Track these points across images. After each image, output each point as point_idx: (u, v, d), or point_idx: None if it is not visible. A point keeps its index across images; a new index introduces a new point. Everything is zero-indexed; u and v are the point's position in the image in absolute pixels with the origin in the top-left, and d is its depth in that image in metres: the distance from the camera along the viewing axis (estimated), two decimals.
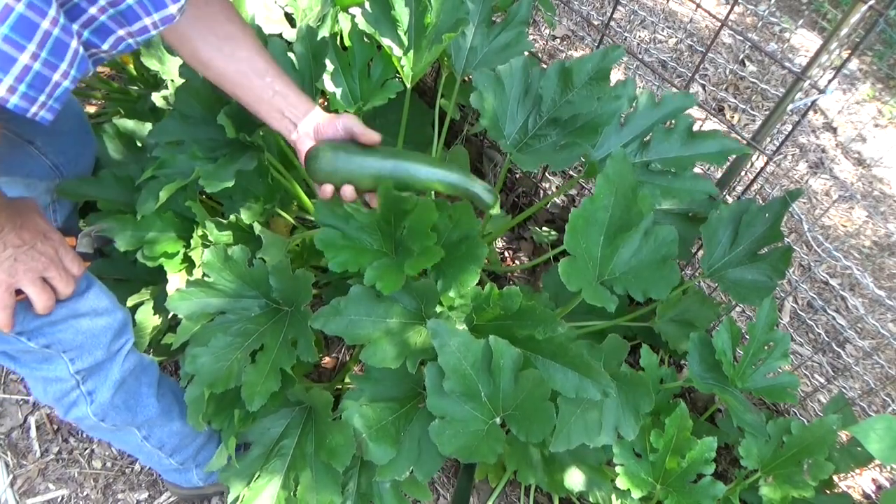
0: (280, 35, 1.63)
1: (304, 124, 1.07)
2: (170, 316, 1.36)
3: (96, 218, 1.29)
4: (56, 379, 1.05)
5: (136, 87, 1.77)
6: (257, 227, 1.27)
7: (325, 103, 1.50)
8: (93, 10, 0.74)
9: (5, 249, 0.86)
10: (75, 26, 0.73)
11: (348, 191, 1.07)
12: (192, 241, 1.27)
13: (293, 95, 1.07)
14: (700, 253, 1.40)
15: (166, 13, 0.80)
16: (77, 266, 0.96)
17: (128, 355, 1.13)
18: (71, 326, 1.00)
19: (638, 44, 2.80)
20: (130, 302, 1.34)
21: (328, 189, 1.07)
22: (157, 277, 1.32)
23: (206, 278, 1.19)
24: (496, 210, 1.12)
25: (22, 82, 0.66)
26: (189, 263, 1.30)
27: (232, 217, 1.31)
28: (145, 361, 1.20)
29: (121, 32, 0.78)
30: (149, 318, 1.36)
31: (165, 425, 1.24)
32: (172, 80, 1.48)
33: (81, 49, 0.74)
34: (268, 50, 1.10)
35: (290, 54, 1.34)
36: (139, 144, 1.41)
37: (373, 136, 1.05)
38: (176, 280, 1.29)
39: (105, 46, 0.79)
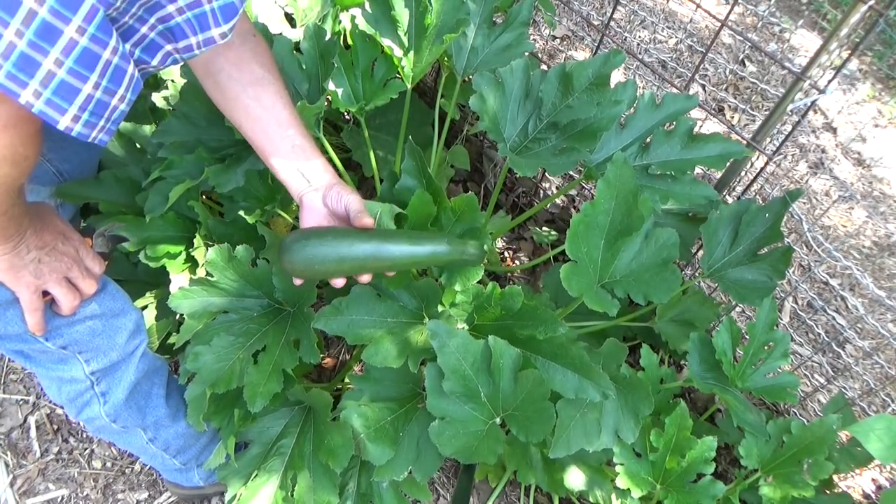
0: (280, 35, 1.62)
1: (317, 186, 1.02)
2: (178, 316, 1.37)
3: (96, 220, 1.29)
4: (71, 380, 1.06)
5: None
6: (261, 227, 1.27)
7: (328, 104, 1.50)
8: (144, 29, 0.76)
9: (29, 252, 0.87)
10: (127, 46, 0.74)
11: (338, 283, 1.02)
12: (194, 241, 1.28)
13: (312, 153, 1.03)
14: (700, 253, 1.40)
15: (209, 35, 0.81)
16: (98, 265, 0.97)
17: (142, 356, 1.14)
18: (88, 327, 1.01)
19: (638, 44, 2.80)
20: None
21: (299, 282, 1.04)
22: (159, 279, 1.32)
23: (209, 277, 1.19)
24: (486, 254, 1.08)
25: (85, 111, 0.69)
26: (192, 263, 1.30)
27: (235, 216, 1.31)
28: (157, 363, 1.21)
29: (168, 48, 0.80)
30: (152, 322, 1.36)
31: (171, 427, 1.24)
32: (173, 81, 1.48)
33: (136, 73, 0.76)
34: (293, 105, 1.06)
35: (296, 53, 1.34)
36: (138, 146, 1.41)
37: (366, 222, 0.98)
38: (179, 280, 1.29)
39: (154, 62, 0.80)
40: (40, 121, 0.68)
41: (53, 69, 0.64)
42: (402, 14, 1.39)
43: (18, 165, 0.71)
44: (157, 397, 1.20)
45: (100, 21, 0.65)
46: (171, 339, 1.41)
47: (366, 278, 1.04)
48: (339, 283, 1.02)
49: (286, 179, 1.03)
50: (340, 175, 1.57)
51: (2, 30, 0.60)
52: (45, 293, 0.92)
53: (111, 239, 1.20)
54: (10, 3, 0.59)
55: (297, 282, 1.05)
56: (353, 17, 1.48)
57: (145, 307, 1.37)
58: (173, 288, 1.27)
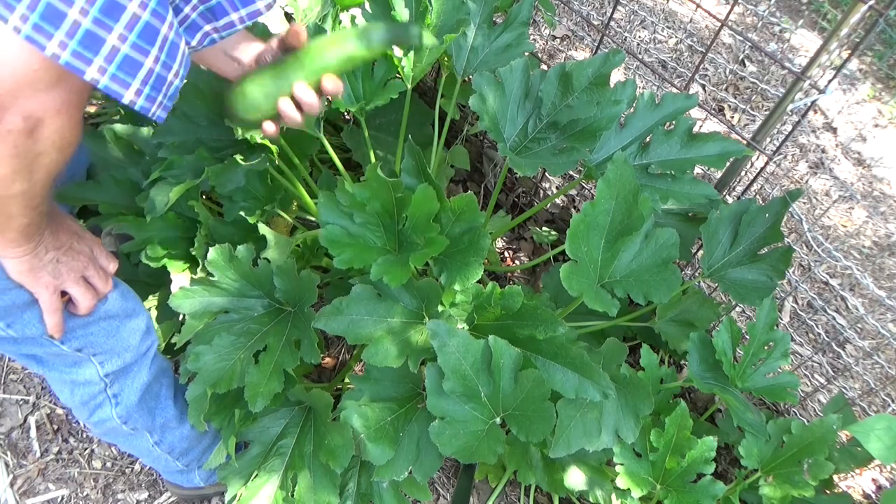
0: None
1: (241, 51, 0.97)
2: (180, 317, 1.36)
3: (96, 222, 1.29)
4: (85, 382, 1.05)
5: None
6: (262, 227, 1.27)
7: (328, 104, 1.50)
8: (187, 10, 0.77)
9: (48, 252, 0.87)
10: None
11: (269, 128, 0.97)
12: (195, 241, 1.27)
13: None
14: (700, 253, 1.40)
15: (254, 9, 0.82)
16: (112, 263, 0.98)
17: (154, 357, 1.14)
18: (103, 329, 1.01)
19: (638, 44, 2.80)
20: None
21: (269, 128, 0.97)
22: (160, 280, 1.32)
23: (210, 277, 1.19)
24: (430, 41, 0.98)
25: (146, 84, 0.70)
26: (192, 263, 1.30)
27: (236, 216, 1.31)
28: (164, 364, 1.21)
29: (207, 28, 0.81)
30: (156, 324, 1.36)
31: (177, 429, 1.24)
32: None
33: (186, 49, 0.77)
34: None
35: None
36: (136, 147, 1.41)
37: (300, 34, 0.93)
38: (180, 280, 1.29)
39: (193, 42, 0.81)
40: (84, 106, 0.69)
41: (118, 45, 0.65)
42: (402, 14, 1.39)
43: (64, 152, 0.72)
44: (166, 398, 1.20)
45: None
46: (173, 339, 1.41)
47: (310, 99, 0.94)
48: (270, 129, 0.96)
49: (223, 68, 0.99)
50: (340, 175, 1.57)
51: (66, 9, 0.61)
52: (63, 294, 0.91)
53: (119, 238, 1.20)
54: None
55: (269, 129, 0.97)
56: (353, 17, 1.48)
57: (148, 310, 1.36)
58: (174, 288, 1.27)
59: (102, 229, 1.26)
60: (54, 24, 0.62)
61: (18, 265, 0.84)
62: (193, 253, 1.28)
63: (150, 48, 0.68)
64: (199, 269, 1.28)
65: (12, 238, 0.79)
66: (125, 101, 0.69)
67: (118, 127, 1.37)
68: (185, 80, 0.78)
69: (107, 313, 1.00)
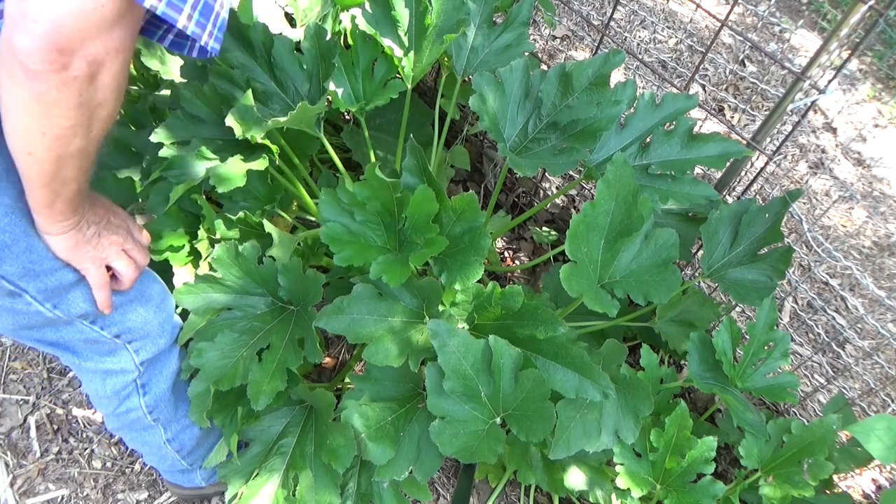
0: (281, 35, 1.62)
1: None
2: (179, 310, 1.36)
3: None
4: (121, 371, 1.06)
5: (136, 87, 1.77)
6: (267, 225, 1.27)
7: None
8: None
9: (90, 227, 0.87)
10: None
11: None
12: (198, 234, 1.27)
13: None
14: (700, 253, 1.40)
15: None
16: (145, 236, 0.99)
17: (180, 346, 1.15)
18: (139, 313, 1.02)
19: (638, 44, 2.81)
20: None
21: None
22: (162, 276, 1.31)
23: (213, 273, 1.19)
24: None
25: (196, 10, 0.71)
26: (195, 256, 1.30)
27: (241, 213, 1.31)
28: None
29: None
30: None
31: (190, 427, 1.24)
32: (173, 81, 1.48)
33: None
34: None
35: (296, 53, 1.34)
36: (133, 150, 1.41)
37: None
38: (182, 274, 1.29)
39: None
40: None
41: None
42: (403, 14, 1.39)
43: (118, 101, 0.72)
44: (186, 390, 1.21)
45: None
46: None
47: None
48: None
49: None
50: (341, 175, 1.57)
51: None
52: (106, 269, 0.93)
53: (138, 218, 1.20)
54: None
55: None
56: (353, 17, 1.48)
57: None
58: (177, 282, 1.27)
59: (140, 207, 1.26)
60: None
61: (65, 241, 0.84)
62: (196, 246, 1.28)
63: None
64: (201, 262, 1.28)
65: (61, 209, 0.79)
66: (179, 24, 0.69)
67: (115, 130, 1.37)
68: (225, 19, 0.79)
69: (142, 294, 1.02)
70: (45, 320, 0.92)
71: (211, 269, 1.20)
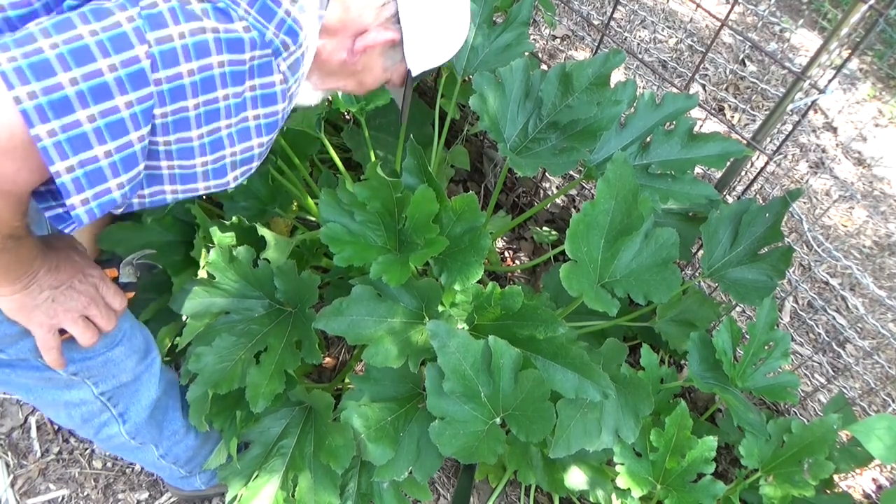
0: None
1: None
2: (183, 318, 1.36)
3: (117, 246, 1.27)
4: (80, 402, 1.03)
5: None
6: (261, 229, 1.27)
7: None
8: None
9: (42, 292, 0.84)
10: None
11: None
12: (194, 243, 1.27)
13: None
14: (700, 253, 1.40)
15: (222, 182, 0.82)
16: (118, 300, 0.94)
17: (161, 372, 1.12)
18: (100, 353, 0.98)
19: (638, 44, 2.80)
20: (142, 318, 1.34)
21: None
22: (160, 286, 1.31)
23: (210, 278, 1.19)
24: None
25: (83, 168, 0.67)
26: (192, 267, 1.30)
27: (234, 218, 1.31)
28: (170, 375, 1.19)
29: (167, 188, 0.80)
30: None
31: (182, 441, 1.23)
32: None
33: (142, 173, 0.75)
34: None
35: None
36: None
37: None
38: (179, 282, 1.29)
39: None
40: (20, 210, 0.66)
41: (84, 121, 0.65)
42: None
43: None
44: (174, 410, 1.19)
45: (147, 107, 0.67)
46: (176, 341, 1.41)
47: None
48: None
49: None
50: (341, 175, 1.57)
51: (60, 70, 0.62)
52: (63, 331, 0.89)
53: (139, 267, 1.17)
54: (84, 57, 0.63)
55: None
56: None
57: (148, 321, 1.35)
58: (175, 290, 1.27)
59: (144, 253, 1.24)
60: (57, 114, 0.63)
61: (9, 303, 0.82)
62: (192, 255, 1.28)
63: (108, 141, 0.67)
64: (199, 272, 1.28)
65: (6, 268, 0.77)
66: (52, 169, 0.65)
67: None
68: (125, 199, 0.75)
69: (107, 344, 0.98)
70: None
71: (208, 274, 1.20)
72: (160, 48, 0.66)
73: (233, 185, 0.84)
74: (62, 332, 0.89)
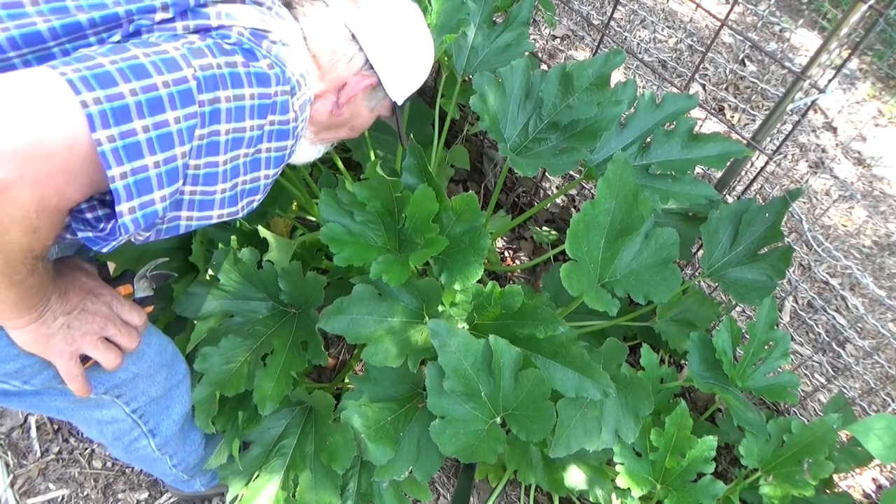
0: None
1: None
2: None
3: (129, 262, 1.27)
4: (112, 420, 1.03)
5: None
6: (263, 231, 1.27)
7: None
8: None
9: (56, 319, 0.82)
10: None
11: None
12: (192, 248, 1.27)
13: None
14: (700, 252, 1.40)
15: (234, 209, 0.86)
16: (137, 316, 0.93)
17: (190, 384, 1.13)
18: (129, 371, 0.97)
19: (638, 43, 2.80)
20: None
21: None
22: (166, 295, 1.31)
23: (214, 280, 1.19)
24: None
25: (135, 175, 0.70)
26: (192, 273, 1.30)
27: (236, 222, 1.31)
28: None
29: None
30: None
31: (195, 450, 1.24)
32: None
33: (160, 224, 0.81)
34: None
35: None
36: None
37: None
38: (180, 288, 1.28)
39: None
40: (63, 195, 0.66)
41: (139, 130, 0.68)
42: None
43: (28, 236, 0.66)
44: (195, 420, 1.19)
45: (192, 125, 0.72)
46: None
47: None
48: None
49: None
50: (341, 174, 1.57)
51: (121, 81, 0.67)
52: (87, 358, 0.87)
53: (154, 279, 1.15)
54: (141, 72, 0.68)
55: None
56: None
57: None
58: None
59: (157, 262, 1.22)
60: (118, 121, 0.66)
61: (25, 335, 0.80)
62: (192, 260, 1.28)
63: (159, 152, 0.71)
64: (201, 275, 1.27)
65: (7, 312, 0.75)
66: (110, 173, 0.68)
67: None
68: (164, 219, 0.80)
69: (133, 353, 0.96)
70: (20, 391, 0.88)
71: (213, 276, 1.20)
72: (204, 73, 0.72)
73: (241, 214, 0.88)
74: (86, 359, 0.87)
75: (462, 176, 2.14)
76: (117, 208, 0.70)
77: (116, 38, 0.75)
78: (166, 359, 1.05)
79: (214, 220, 0.85)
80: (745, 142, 1.37)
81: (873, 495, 1.66)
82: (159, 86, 0.69)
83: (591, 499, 1.34)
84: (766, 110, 2.72)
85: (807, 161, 2.61)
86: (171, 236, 0.85)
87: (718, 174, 1.52)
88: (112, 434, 1.06)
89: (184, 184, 0.77)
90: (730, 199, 1.61)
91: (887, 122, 2.84)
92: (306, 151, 1.04)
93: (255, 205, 0.90)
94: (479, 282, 1.14)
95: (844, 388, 1.81)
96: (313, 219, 1.62)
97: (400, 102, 1.05)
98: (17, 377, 0.85)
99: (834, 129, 2.76)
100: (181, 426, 1.13)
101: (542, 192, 2.02)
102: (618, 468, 1.24)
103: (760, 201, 1.54)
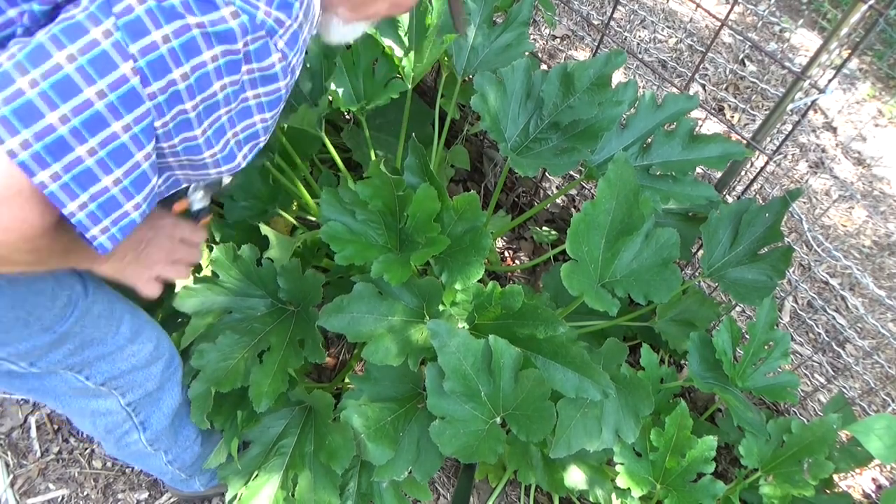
0: None
1: None
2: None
3: None
4: (106, 412, 1.04)
5: None
6: (263, 228, 1.27)
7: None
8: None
9: (125, 255, 0.89)
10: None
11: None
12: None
13: None
14: (700, 253, 1.40)
15: (233, 165, 0.80)
16: (196, 234, 0.99)
17: (182, 379, 1.14)
18: (128, 362, 0.99)
19: (638, 44, 2.80)
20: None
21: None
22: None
23: (213, 276, 1.19)
24: None
25: (94, 201, 0.65)
26: (196, 269, 1.30)
27: (237, 217, 1.31)
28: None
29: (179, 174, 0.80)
30: None
31: (190, 447, 1.24)
32: None
33: (159, 188, 0.77)
34: None
35: None
36: None
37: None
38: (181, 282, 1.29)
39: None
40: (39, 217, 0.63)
41: (85, 156, 0.62)
42: (403, 14, 1.39)
43: (33, 254, 0.66)
44: (188, 416, 1.20)
45: (147, 125, 0.64)
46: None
47: None
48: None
49: None
50: (341, 174, 1.57)
51: (47, 111, 0.58)
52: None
53: (207, 189, 1.12)
54: (69, 89, 0.59)
55: None
56: None
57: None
58: (178, 286, 1.27)
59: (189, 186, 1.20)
60: (56, 157, 0.59)
61: (106, 270, 0.87)
62: None
63: (115, 169, 0.65)
64: (201, 273, 1.28)
65: (73, 262, 0.79)
66: (65, 211, 0.63)
67: None
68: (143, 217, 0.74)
69: (132, 341, 0.99)
70: (25, 374, 0.90)
71: (212, 272, 1.20)
72: (147, 59, 0.61)
73: (243, 163, 0.82)
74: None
75: (462, 176, 2.14)
76: (87, 235, 0.66)
77: (36, 5, 0.63)
78: (163, 353, 1.06)
79: (214, 176, 0.81)
80: (745, 142, 1.37)
81: (873, 495, 1.66)
82: (94, 99, 0.59)
83: (591, 499, 1.34)
84: (766, 110, 2.72)
85: (807, 161, 2.61)
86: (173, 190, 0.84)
87: (718, 174, 1.53)
88: (104, 427, 1.07)
89: (166, 158, 0.73)
90: (730, 199, 1.61)
91: (887, 122, 2.84)
92: (339, 31, 0.88)
93: (260, 145, 0.82)
94: (479, 281, 1.14)
95: (844, 388, 1.81)
96: (314, 218, 1.62)
97: None
98: (27, 358, 0.87)
99: (834, 129, 2.76)
100: (172, 420, 1.13)
101: (542, 192, 2.02)
102: (618, 468, 1.24)
103: (760, 201, 1.54)
